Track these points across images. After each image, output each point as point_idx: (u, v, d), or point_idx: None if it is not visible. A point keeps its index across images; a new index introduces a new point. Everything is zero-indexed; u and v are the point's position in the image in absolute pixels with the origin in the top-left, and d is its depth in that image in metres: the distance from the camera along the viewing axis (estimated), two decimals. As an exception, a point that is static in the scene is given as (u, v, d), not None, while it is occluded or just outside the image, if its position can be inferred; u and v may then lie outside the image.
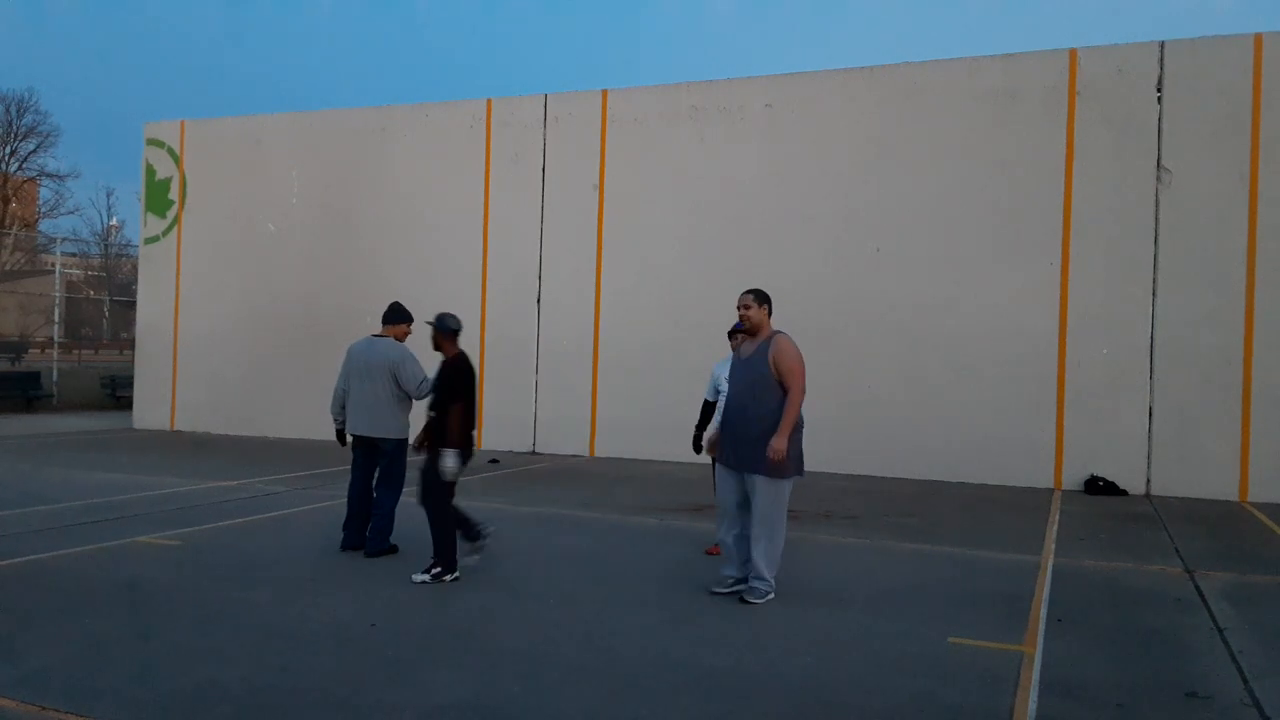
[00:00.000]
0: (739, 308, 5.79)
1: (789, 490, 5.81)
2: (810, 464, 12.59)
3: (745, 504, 5.81)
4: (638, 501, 9.83)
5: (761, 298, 5.78)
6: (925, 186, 12.58)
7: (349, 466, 7.44)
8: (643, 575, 6.65)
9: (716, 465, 6.10)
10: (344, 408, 7.24)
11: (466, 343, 7.03)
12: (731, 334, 7.18)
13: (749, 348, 5.82)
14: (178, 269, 17.06)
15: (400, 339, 7.34)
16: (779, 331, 5.80)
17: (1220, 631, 5.49)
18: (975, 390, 12.21)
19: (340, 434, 7.35)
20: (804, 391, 5.71)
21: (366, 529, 7.13)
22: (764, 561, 5.73)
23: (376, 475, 7.22)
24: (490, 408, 14.68)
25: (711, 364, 7.65)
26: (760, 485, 5.67)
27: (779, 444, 5.53)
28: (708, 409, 7.25)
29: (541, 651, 4.86)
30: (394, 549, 7.06)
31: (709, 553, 7.23)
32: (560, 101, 14.62)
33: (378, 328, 7.53)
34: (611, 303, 14.13)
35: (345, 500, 7.35)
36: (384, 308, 7.59)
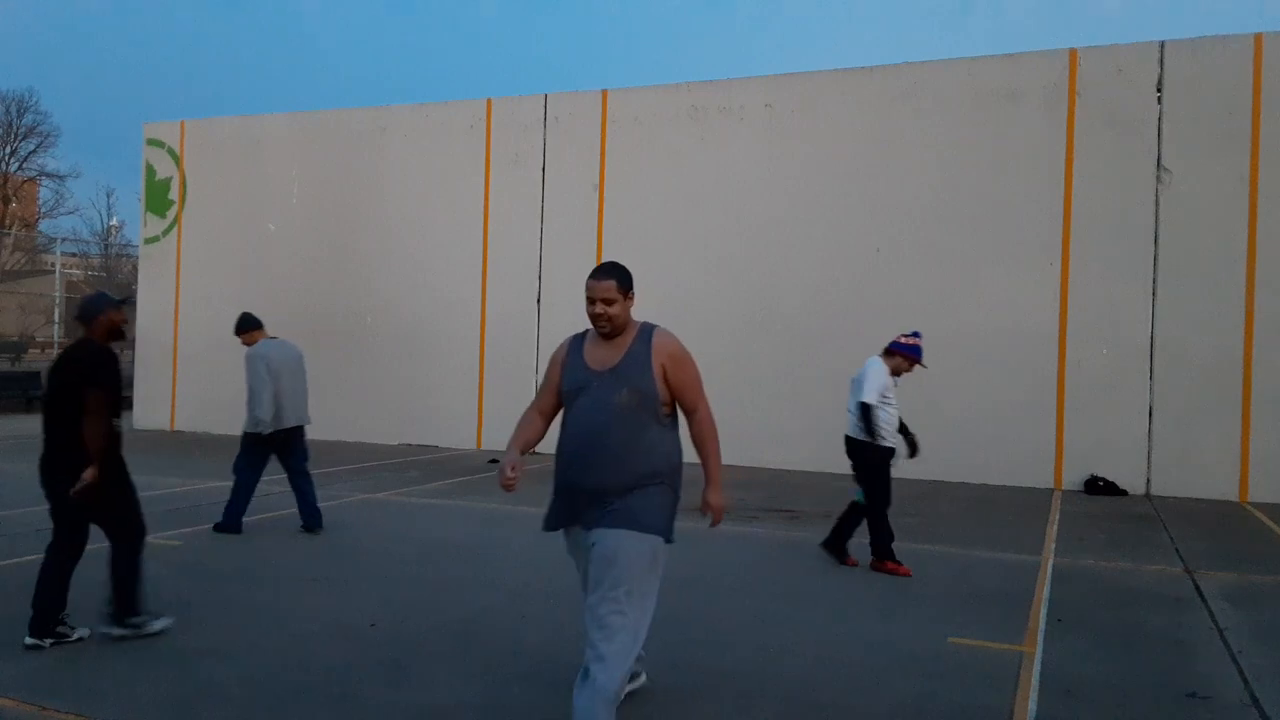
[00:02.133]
0: (595, 301, 3.73)
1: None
2: (810, 464, 12.81)
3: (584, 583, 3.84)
4: (638, 501, 9.82)
5: (626, 283, 3.78)
6: (925, 186, 12.57)
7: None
8: (643, 575, 6.64)
9: (557, 529, 3.94)
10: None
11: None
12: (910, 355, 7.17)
13: (606, 352, 3.79)
14: (178, 269, 17.06)
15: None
16: (650, 325, 3.87)
17: (1220, 631, 5.49)
18: (975, 390, 12.20)
19: (264, 435, 7.75)
20: None
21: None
22: (624, 658, 3.52)
23: (293, 460, 7.89)
24: (490, 408, 14.67)
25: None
26: (644, 549, 3.69)
27: (719, 498, 3.80)
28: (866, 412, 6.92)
29: (542, 652, 4.86)
30: None
31: (849, 563, 7.05)
32: (560, 101, 14.62)
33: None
34: (611, 303, 14.11)
35: (310, 495, 7.93)
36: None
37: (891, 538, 6.92)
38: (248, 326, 7.95)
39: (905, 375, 7.19)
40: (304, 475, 7.94)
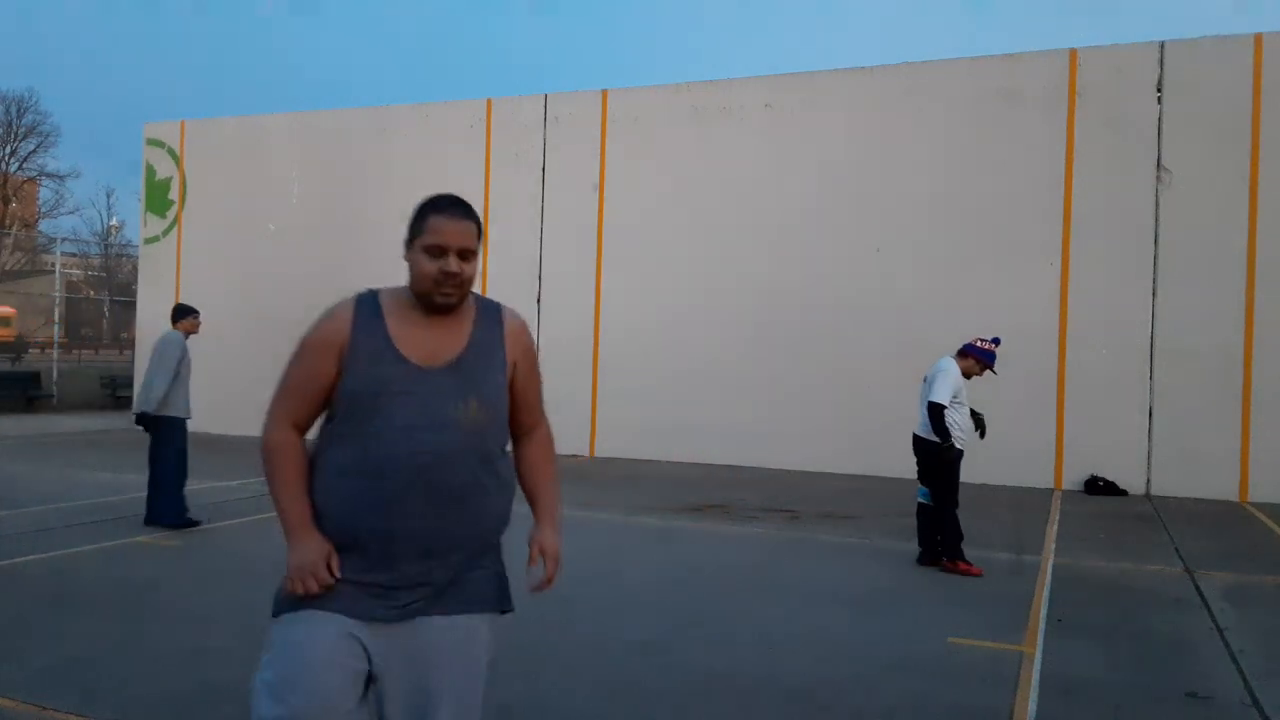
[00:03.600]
0: (448, 251, 2.34)
1: None
2: (810, 464, 12.81)
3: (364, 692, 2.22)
4: (638, 501, 9.83)
5: (480, 233, 2.46)
6: (925, 186, 12.57)
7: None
8: (642, 575, 6.65)
9: (304, 615, 2.22)
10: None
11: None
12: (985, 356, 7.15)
13: (433, 337, 2.39)
14: (178, 269, 17.07)
15: (192, 331, 8.62)
16: (491, 300, 2.60)
17: (1220, 631, 5.48)
18: (975, 390, 12.14)
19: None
20: None
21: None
22: None
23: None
24: (490, 408, 14.69)
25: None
26: (484, 635, 2.34)
27: (557, 542, 2.43)
28: (937, 414, 6.84)
29: (541, 652, 4.85)
30: None
31: (967, 570, 6.75)
32: (560, 101, 14.62)
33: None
34: (611, 303, 14.12)
35: (152, 488, 8.00)
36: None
37: (961, 538, 6.86)
38: (182, 315, 8.58)
39: (975, 378, 7.20)
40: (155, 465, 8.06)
